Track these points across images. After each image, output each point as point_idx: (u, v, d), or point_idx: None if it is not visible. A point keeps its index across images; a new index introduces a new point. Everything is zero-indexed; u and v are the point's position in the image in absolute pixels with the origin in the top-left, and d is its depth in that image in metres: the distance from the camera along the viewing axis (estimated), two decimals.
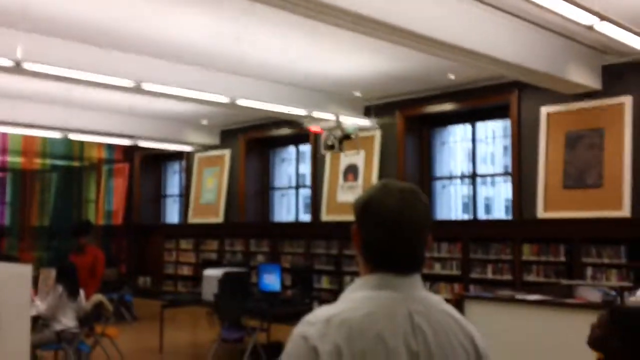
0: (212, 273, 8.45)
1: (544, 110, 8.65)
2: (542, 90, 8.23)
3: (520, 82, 8.34)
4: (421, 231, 1.50)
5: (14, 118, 10.81)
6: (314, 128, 8.86)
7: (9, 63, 6.96)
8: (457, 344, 1.48)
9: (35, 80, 8.36)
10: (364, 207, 1.53)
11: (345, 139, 7.84)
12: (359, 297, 1.46)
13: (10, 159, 13.27)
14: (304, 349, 1.38)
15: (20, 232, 13.22)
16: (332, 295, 10.14)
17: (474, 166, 10.02)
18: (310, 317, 1.44)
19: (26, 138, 13.08)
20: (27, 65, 7.08)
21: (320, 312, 1.44)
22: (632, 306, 4.00)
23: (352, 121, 8.02)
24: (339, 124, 7.84)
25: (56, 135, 12.17)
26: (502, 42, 6.59)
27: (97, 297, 7.22)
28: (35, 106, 10.79)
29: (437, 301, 1.53)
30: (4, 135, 12.80)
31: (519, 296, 5.43)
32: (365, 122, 10.35)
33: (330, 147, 7.86)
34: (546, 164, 8.58)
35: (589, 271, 7.98)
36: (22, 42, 6.88)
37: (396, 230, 1.48)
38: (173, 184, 15.62)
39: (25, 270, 3.26)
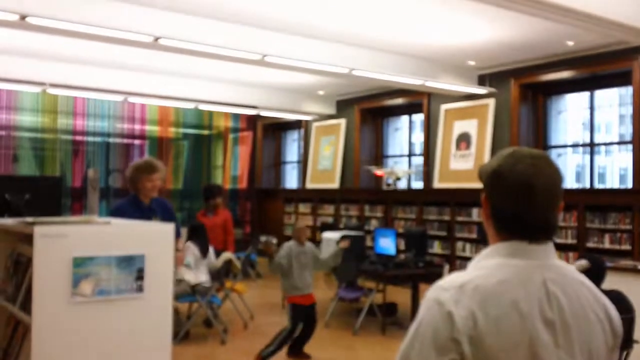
0: (330, 236, 8.62)
1: None
2: None
3: None
4: (554, 197, 1.44)
5: (151, 91, 11.55)
6: (378, 172, 12.02)
7: (148, 39, 7.49)
8: (592, 314, 1.44)
9: (169, 55, 8.88)
10: (493, 174, 1.47)
11: (397, 179, 11.59)
12: (491, 264, 1.43)
13: (148, 127, 14.19)
14: (439, 314, 1.35)
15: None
16: (444, 260, 10.34)
17: (591, 135, 9.68)
18: (442, 283, 1.42)
19: (161, 109, 13.99)
20: (163, 42, 7.55)
21: (453, 279, 1.42)
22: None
23: (404, 167, 12.14)
24: (392, 171, 11.68)
25: (188, 106, 12.99)
26: (626, 6, 6.28)
27: (227, 255, 7.54)
28: (170, 79, 11.44)
29: (571, 270, 1.48)
30: (143, 106, 13.77)
31: None
32: (480, 90, 10.38)
33: (388, 185, 11.87)
34: None
35: None
36: (158, 20, 7.42)
37: (529, 197, 1.42)
38: (292, 151, 16.19)
39: (168, 228, 3.42)
